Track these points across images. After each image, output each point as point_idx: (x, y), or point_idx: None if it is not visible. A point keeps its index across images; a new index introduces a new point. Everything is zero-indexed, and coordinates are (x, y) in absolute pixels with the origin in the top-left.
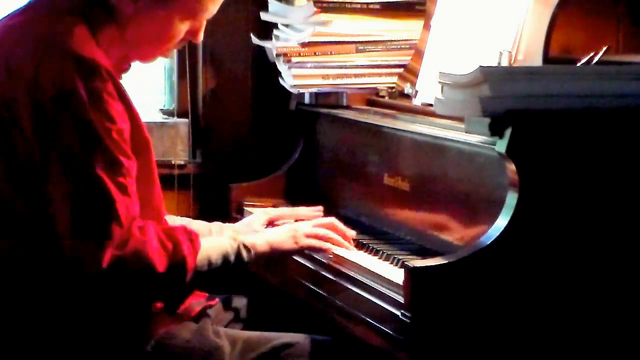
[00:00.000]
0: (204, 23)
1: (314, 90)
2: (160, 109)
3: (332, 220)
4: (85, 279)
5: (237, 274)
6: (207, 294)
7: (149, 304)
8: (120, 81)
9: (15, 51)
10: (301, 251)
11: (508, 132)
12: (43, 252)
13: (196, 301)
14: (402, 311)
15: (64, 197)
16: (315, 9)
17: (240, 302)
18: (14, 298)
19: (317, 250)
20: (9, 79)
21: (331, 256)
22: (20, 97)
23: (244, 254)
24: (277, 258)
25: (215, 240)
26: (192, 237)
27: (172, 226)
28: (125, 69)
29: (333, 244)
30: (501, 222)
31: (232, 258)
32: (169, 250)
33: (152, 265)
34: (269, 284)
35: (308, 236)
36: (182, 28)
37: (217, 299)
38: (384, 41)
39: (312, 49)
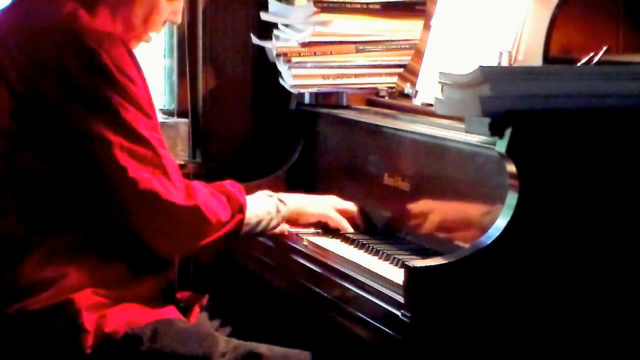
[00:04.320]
0: (183, 3)
1: (314, 90)
2: (160, 109)
3: (356, 209)
4: (158, 231)
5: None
6: (197, 294)
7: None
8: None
9: (31, 41)
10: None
11: (508, 132)
12: (89, 226)
13: (186, 298)
14: (402, 311)
15: (118, 159)
16: (315, 9)
17: (230, 308)
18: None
19: (335, 224)
20: (30, 67)
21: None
22: (46, 82)
23: (281, 207)
24: (301, 218)
25: (254, 195)
26: (241, 189)
27: (218, 182)
28: None
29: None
30: (501, 222)
31: (273, 211)
32: (224, 202)
33: (218, 216)
34: (268, 283)
35: (337, 210)
36: (167, 8)
37: (207, 296)
38: (384, 41)
39: (312, 49)
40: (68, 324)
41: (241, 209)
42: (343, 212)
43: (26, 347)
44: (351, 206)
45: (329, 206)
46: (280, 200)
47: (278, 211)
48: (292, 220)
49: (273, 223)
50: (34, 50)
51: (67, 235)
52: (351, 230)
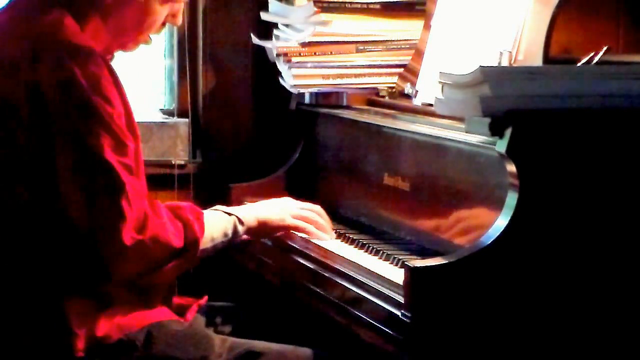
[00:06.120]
0: (182, 4)
1: (314, 90)
2: (160, 109)
3: (319, 207)
4: (104, 260)
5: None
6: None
7: (156, 281)
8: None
9: (9, 49)
10: (286, 230)
11: (508, 132)
12: (52, 238)
13: (186, 303)
14: (402, 311)
15: (75, 183)
16: (315, 9)
17: (230, 308)
18: (19, 290)
19: (299, 231)
20: (4, 76)
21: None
22: (19, 93)
23: (239, 227)
24: (261, 233)
25: (213, 216)
26: (199, 216)
27: (179, 204)
28: (109, 59)
29: (316, 228)
30: (501, 222)
31: (230, 233)
32: (181, 231)
33: (171, 246)
34: (268, 283)
35: (295, 217)
36: (163, 12)
37: (205, 297)
38: (384, 41)
39: (312, 49)
40: (56, 327)
41: (196, 242)
42: (304, 219)
43: (15, 351)
44: (309, 214)
45: (287, 216)
46: (239, 220)
47: (235, 231)
48: (254, 235)
49: (227, 243)
50: (10, 60)
51: (53, 247)
52: (325, 237)
